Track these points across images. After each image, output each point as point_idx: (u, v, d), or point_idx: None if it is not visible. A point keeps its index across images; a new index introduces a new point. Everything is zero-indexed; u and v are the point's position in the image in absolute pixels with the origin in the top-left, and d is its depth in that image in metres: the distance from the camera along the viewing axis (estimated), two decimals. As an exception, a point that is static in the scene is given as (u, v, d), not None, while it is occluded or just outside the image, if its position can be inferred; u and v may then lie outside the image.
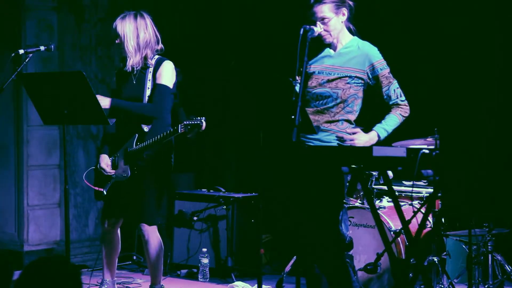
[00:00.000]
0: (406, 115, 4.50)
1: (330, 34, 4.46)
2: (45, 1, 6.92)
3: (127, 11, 5.07)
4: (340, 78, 4.43)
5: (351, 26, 4.54)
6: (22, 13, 6.80)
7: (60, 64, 6.91)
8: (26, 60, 5.01)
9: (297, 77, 4.40)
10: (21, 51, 5.01)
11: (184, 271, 6.48)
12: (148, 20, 5.06)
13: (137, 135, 5.02)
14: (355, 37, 4.53)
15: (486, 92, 6.11)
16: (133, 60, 4.99)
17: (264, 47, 7.13)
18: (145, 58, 5.02)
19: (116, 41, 5.02)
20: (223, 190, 6.75)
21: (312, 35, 4.28)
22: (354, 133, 4.38)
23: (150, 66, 5.03)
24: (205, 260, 6.26)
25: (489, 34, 6.09)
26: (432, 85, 6.27)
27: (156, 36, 5.08)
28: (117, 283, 5.92)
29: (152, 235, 5.10)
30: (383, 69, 4.45)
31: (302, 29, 4.26)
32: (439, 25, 6.25)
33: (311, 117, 4.40)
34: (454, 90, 6.20)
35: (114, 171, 5.09)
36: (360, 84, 4.45)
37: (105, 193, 5.09)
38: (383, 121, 4.47)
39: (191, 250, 6.50)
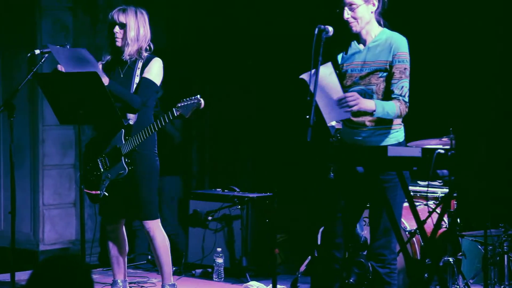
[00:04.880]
0: (402, 113, 4.28)
1: (357, 22, 4.32)
2: (60, 1, 6.95)
3: (125, 5, 5.10)
4: (371, 73, 4.32)
5: (382, 20, 4.40)
6: (38, 13, 6.84)
7: (76, 64, 6.93)
8: (42, 60, 5.04)
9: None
10: (37, 51, 5.03)
11: (199, 270, 6.49)
12: (146, 17, 5.10)
13: (123, 130, 5.03)
14: (385, 29, 4.40)
15: (502, 92, 6.08)
16: (131, 49, 5.02)
17: (282, 46, 7.13)
18: (140, 52, 5.05)
19: (115, 30, 5.01)
20: (237, 190, 6.75)
21: (327, 35, 4.23)
22: (352, 96, 4.17)
23: (140, 60, 5.05)
24: (220, 260, 6.26)
25: (506, 34, 6.06)
26: (447, 85, 6.25)
27: (150, 33, 5.11)
28: (132, 283, 5.94)
29: (157, 230, 5.10)
30: (401, 62, 4.29)
31: (317, 29, 4.22)
32: (456, 24, 6.22)
33: (355, 118, 4.31)
34: (470, 90, 6.18)
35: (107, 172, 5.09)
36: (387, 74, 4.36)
37: (106, 194, 5.06)
38: (382, 102, 4.26)
39: (206, 249, 6.51)
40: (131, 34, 5.01)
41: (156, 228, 5.10)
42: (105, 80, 4.90)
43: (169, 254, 5.16)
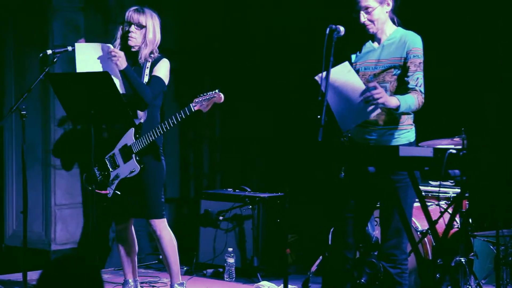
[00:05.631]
0: (419, 105, 4.26)
1: (374, 24, 4.32)
2: (72, 1, 6.97)
3: (139, 6, 5.12)
4: (385, 70, 4.31)
5: (395, 18, 4.41)
6: (50, 13, 6.85)
7: (87, 64, 6.94)
8: (54, 60, 5.06)
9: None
10: (49, 52, 5.05)
11: (210, 270, 6.49)
12: (159, 20, 5.14)
13: (133, 129, 5.03)
14: (399, 28, 4.40)
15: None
16: (147, 51, 5.04)
17: (293, 46, 7.13)
18: (151, 53, 5.06)
19: (131, 29, 5.02)
20: (248, 189, 6.75)
21: (338, 34, 4.22)
22: (375, 87, 4.11)
23: (149, 61, 5.06)
24: (231, 260, 6.26)
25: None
26: (459, 85, 6.23)
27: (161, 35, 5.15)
28: (143, 282, 5.95)
29: (164, 229, 5.11)
30: (416, 57, 4.29)
31: (328, 29, 4.21)
32: (467, 24, 6.20)
33: None
34: (481, 89, 6.15)
35: (115, 170, 5.10)
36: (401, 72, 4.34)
37: (118, 193, 5.06)
38: (402, 96, 4.22)
39: (217, 249, 6.51)
40: (150, 36, 5.04)
41: (163, 228, 5.11)
42: (123, 64, 4.90)
43: (177, 253, 5.17)
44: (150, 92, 4.99)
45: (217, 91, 4.89)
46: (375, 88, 4.09)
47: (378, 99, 4.07)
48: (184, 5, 7.49)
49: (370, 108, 4.13)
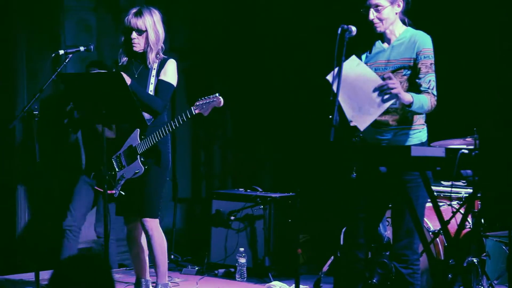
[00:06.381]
0: (432, 107, 4.26)
1: (382, 23, 4.32)
2: (83, 1, 6.98)
3: (138, 6, 5.11)
4: (395, 71, 4.30)
5: (406, 19, 4.40)
6: (62, 13, 6.87)
7: (99, 64, 6.96)
8: (66, 61, 5.07)
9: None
10: (61, 52, 5.06)
11: (221, 270, 6.50)
12: (160, 16, 5.11)
13: (138, 129, 5.04)
14: (409, 28, 4.39)
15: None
16: (153, 55, 5.03)
17: (304, 45, 7.12)
18: (157, 53, 5.06)
19: (132, 36, 5.00)
20: (260, 189, 6.75)
21: (350, 34, 4.21)
22: (390, 78, 4.12)
23: (155, 62, 5.06)
24: (243, 260, 6.26)
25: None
26: (471, 85, 6.21)
27: (164, 32, 5.13)
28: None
29: (156, 230, 5.12)
30: (427, 58, 4.28)
31: (339, 29, 4.20)
32: (479, 24, 6.18)
33: (378, 118, 4.27)
34: (494, 89, 6.13)
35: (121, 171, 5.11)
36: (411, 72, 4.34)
37: (123, 193, 5.06)
38: (416, 94, 4.21)
39: (229, 249, 6.51)
40: (152, 38, 5.02)
41: (155, 228, 5.11)
42: (128, 81, 4.93)
43: (166, 253, 5.19)
44: (161, 102, 5.01)
45: (217, 95, 4.89)
46: (390, 78, 4.09)
47: (392, 89, 4.07)
48: (194, 6, 7.49)
49: (385, 97, 4.11)
